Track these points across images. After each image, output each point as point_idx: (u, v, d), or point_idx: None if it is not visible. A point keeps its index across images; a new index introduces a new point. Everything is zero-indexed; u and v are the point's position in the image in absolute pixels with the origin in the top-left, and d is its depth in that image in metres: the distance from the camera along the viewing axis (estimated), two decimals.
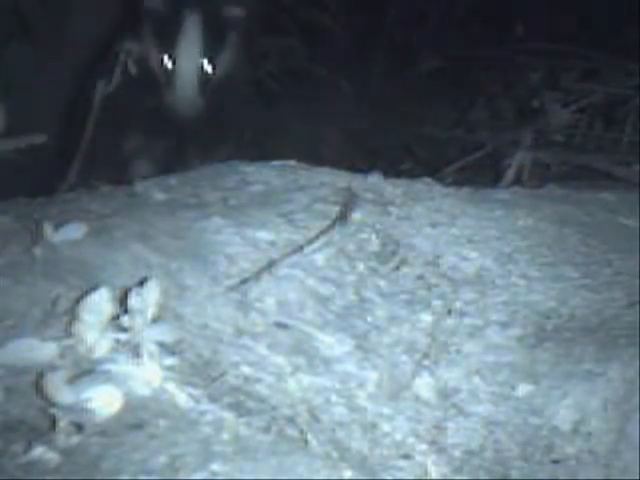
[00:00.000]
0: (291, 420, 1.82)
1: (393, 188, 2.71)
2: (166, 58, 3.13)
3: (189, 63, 3.12)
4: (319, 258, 2.32)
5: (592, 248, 2.50)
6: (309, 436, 1.79)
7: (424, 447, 1.86)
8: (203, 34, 3.11)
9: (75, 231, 2.20)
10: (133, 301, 1.83)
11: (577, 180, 3.69)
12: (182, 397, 1.77)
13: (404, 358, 2.09)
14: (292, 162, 2.79)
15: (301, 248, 2.33)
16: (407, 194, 2.68)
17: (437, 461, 1.83)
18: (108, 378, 1.72)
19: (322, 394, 1.93)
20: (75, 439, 1.63)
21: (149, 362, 1.78)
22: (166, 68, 3.14)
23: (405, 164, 4.49)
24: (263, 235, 2.36)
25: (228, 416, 1.75)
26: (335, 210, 2.49)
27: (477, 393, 2.01)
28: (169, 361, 1.85)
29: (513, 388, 2.01)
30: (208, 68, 3.15)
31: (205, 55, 3.14)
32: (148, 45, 3.18)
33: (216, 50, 3.16)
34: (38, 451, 1.59)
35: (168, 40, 3.12)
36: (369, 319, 2.19)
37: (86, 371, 1.74)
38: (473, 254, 2.44)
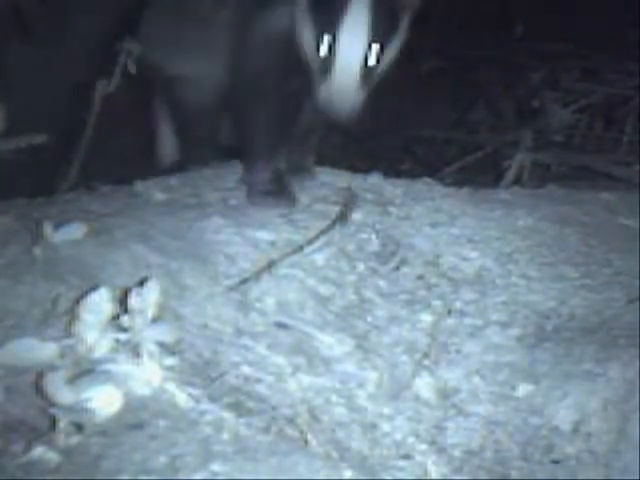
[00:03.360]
0: (291, 420, 1.82)
1: (393, 188, 2.71)
2: (325, 42, 2.30)
3: (353, 50, 2.30)
4: (319, 258, 2.33)
5: (592, 248, 2.51)
6: (309, 436, 1.79)
7: (424, 447, 1.86)
8: (373, 15, 2.30)
9: (75, 231, 2.20)
10: (133, 301, 1.83)
11: (577, 180, 3.69)
12: (182, 397, 1.77)
13: (404, 358, 2.09)
14: None
15: (301, 248, 2.33)
16: (407, 194, 2.68)
17: (437, 461, 1.83)
18: (108, 378, 1.72)
19: (322, 394, 1.93)
20: (75, 439, 1.63)
21: (149, 362, 1.78)
22: (323, 54, 2.31)
23: (405, 164, 4.49)
24: (263, 235, 2.36)
25: (228, 416, 1.75)
26: (335, 210, 2.49)
27: (477, 393, 2.01)
28: (169, 361, 1.85)
29: (513, 388, 2.01)
30: (373, 58, 2.33)
31: (374, 41, 2.32)
32: (301, 24, 2.37)
33: (386, 36, 2.35)
34: (38, 451, 1.59)
35: (328, 19, 2.30)
36: (369, 319, 2.19)
37: (86, 371, 1.74)
38: (473, 254, 2.44)
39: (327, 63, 2.30)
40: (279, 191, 2.53)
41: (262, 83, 2.48)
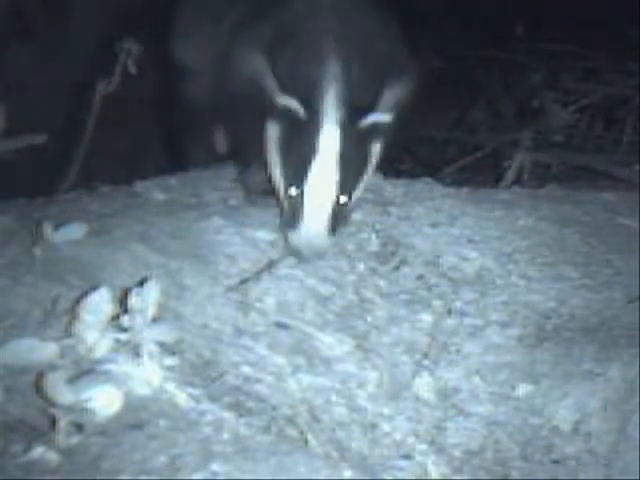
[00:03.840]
0: (291, 420, 1.82)
1: (393, 188, 2.71)
2: (292, 189, 2.26)
3: (322, 199, 2.24)
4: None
5: (592, 248, 2.50)
6: (309, 436, 1.79)
7: (424, 447, 1.86)
8: (342, 157, 2.22)
9: (75, 231, 2.20)
10: (133, 301, 1.83)
11: (577, 180, 3.69)
12: (182, 397, 1.77)
13: (404, 358, 2.09)
14: None
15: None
16: (407, 194, 2.68)
17: (437, 461, 1.83)
18: (108, 378, 1.72)
19: (322, 394, 1.93)
20: (75, 439, 1.63)
21: (149, 362, 1.78)
22: (291, 199, 2.26)
23: (405, 164, 4.49)
24: (263, 235, 2.36)
25: (228, 416, 1.75)
26: None
27: (477, 393, 2.01)
28: (169, 361, 1.85)
29: (513, 388, 2.01)
30: (344, 201, 2.27)
31: (343, 187, 2.23)
32: (272, 157, 2.32)
33: (357, 175, 2.30)
34: (38, 451, 1.59)
35: (297, 163, 2.24)
36: (369, 319, 2.19)
37: (86, 371, 1.75)
38: (473, 254, 2.44)
39: (295, 210, 2.25)
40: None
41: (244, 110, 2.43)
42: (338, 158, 2.23)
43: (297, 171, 2.25)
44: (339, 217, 2.28)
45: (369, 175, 2.36)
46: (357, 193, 2.33)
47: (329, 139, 2.22)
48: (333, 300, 2.22)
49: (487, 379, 2.04)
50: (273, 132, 2.30)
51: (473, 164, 4.35)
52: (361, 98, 2.27)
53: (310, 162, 2.22)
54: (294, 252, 2.26)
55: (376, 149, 2.34)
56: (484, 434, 1.90)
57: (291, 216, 2.27)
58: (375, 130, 2.29)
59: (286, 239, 2.27)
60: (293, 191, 2.26)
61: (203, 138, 2.99)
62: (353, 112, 2.23)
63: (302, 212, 2.24)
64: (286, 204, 2.30)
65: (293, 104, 2.22)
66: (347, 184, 2.26)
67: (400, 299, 2.26)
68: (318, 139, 2.22)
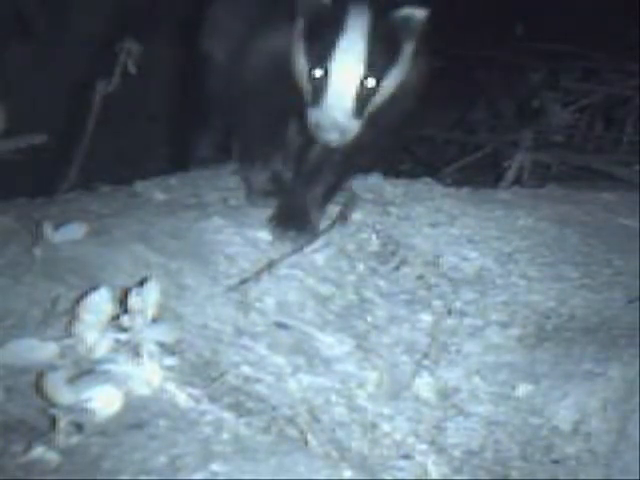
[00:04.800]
0: (291, 420, 1.82)
1: (393, 188, 2.71)
2: (317, 70, 2.18)
3: (347, 76, 2.17)
4: (319, 258, 2.33)
5: (592, 248, 2.50)
6: (309, 436, 1.79)
7: (424, 447, 1.86)
8: (370, 39, 2.18)
9: (75, 231, 2.20)
10: (133, 301, 1.83)
11: (577, 180, 3.69)
12: (182, 397, 1.77)
13: (404, 358, 2.09)
14: None
15: (301, 248, 2.33)
16: (407, 194, 2.68)
17: (437, 461, 1.83)
18: (108, 378, 1.72)
19: (322, 394, 1.93)
20: (75, 439, 1.63)
21: (149, 362, 1.78)
22: (315, 81, 2.19)
23: (405, 164, 4.49)
24: (263, 235, 2.36)
25: (228, 416, 1.75)
26: (335, 210, 2.49)
27: (477, 393, 2.01)
28: (169, 361, 1.85)
29: (513, 388, 2.01)
30: (371, 85, 2.21)
31: (370, 68, 2.19)
32: (297, 48, 2.25)
33: (385, 66, 2.23)
34: (38, 451, 1.59)
35: (322, 44, 2.18)
36: (369, 319, 2.19)
37: (86, 371, 1.74)
38: (473, 254, 2.44)
39: (319, 90, 2.20)
40: (278, 191, 2.49)
41: (260, 90, 2.41)
42: (366, 40, 2.18)
43: (323, 52, 2.20)
44: (365, 102, 2.22)
45: (398, 74, 2.29)
46: (385, 86, 2.25)
47: (357, 21, 2.19)
48: (333, 300, 2.22)
49: (487, 379, 2.04)
50: (299, 25, 2.26)
51: (473, 164, 4.35)
52: None
53: (336, 42, 2.18)
54: (318, 134, 2.21)
55: (408, 47, 2.28)
56: (484, 434, 1.90)
57: (315, 98, 2.21)
58: (408, 25, 2.25)
59: (308, 124, 2.22)
60: (317, 72, 2.21)
61: (211, 135, 2.98)
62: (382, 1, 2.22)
63: (327, 91, 2.19)
64: (309, 88, 2.23)
65: None
66: (374, 68, 2.21)
67: (400, 299, 2.26)
68: (346, 21, 2.18)
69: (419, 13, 2.24)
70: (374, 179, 2.73)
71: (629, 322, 2.17)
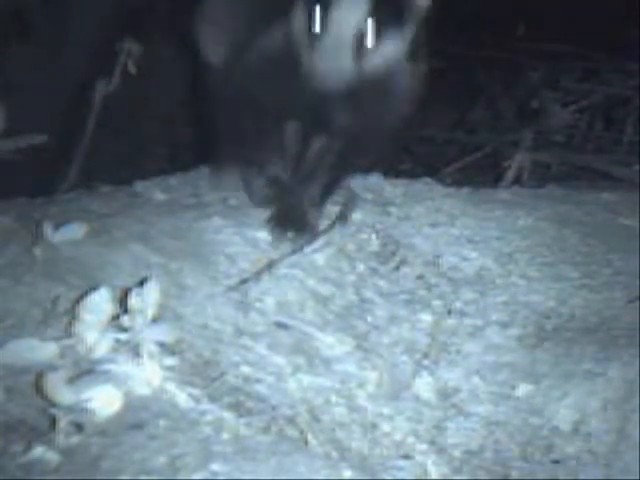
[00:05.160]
0: (291, 420, 1.82)
1: (393, 188, 2.71)
2: (317, 20, 2.11)
3: (347, 29, 2.11)
4: (319, 258, 2.33)
5: (592, 248, 2.51)
6: (309, 436, 1.79)
7: (424, 447, 1.86)
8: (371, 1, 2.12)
9: (75, 231, 2.20)
10: (133, 301, 1.83)
11: (577, 180, 3.69)
12: (182, 397, 1.77)
13: (404, 358, 2.09)
14: None
15: (301, 248, 2.33)
16: (407, 194, 2.68)
17: (437, 461, 1.83)
18: (108, 378, 1.72)
19: (322, 394, 1.93)
20: (75, 439, 1.63)
21: (149, 362, 1.78)
22: (314, 33, 2.13)
23: (405, 164, 4.49)
24: (263, 235, 2.36)
25: (228, 416, 1.75)
26: (335, 210, 2.49)
27: (477, 393, 2.01)
28: (169, 361, 1.85)
29: (513, 388, 2.01)
30: (372, 41, 2.15)
31: (374, 22, 2.14)
32: (297, 9, 2.17)
33: (391, 18, 2.18)
34: (38, 451, 1.59)
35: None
36: (369, 319, 2.19)
37: (86, 371, 1.74)
38: (473, 254, 2.44)
39: (320, 34, 2.13)
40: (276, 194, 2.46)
41: (256, 92, 2.34)
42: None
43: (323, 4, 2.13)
44: (365, 50, 2.16)
45: (397, 47, 2.25)
46: (383, 49, 2.20)
47: None
48: (333, 300, 2.22)
49: (487, 379, 2.04)
50: None
51: (473, 164, 4.35)
52: None
53: None
54: (319, 64, 2.16)
55: (410, 25, 2.26)
56: (484, 434, 1.90)
57: (315, 40, 2.16)
58: (411, 3, 2.23)
59: (307, 68, 2.18)
60: (317, 26, 2.15)
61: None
62: None
63: (326, 32, 2.13)
64: (309, 40, 2.17)
65: None
66: (375, 23, 2.15)
67: (400, 299, 2.26)
68: None
69: None
70: (374, 179, 2.73)
71: (629, 322, 2.17)
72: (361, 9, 2.15)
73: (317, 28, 2.15)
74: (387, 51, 2.24)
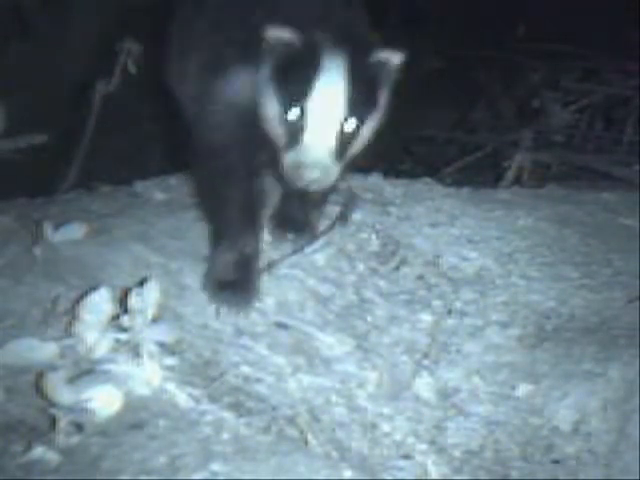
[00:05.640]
0: (291, 420, 1.82)
1: (393, 188, 2.71)
2: (293, 110, 1.97)
3: (327, 115, 1.97)
4: (319, 258, 2.33)
5: (592, 248, 2.51)
6: (309, 436, 1.79)
7: (424, 447, 1.86)
8: (348, 80, 1.98)
9: (75, 231, 2.20)
10: (133, 301, 1.83)
11: (577, 180, 3.69)
12: (182, 397, 1.77)
13: (404, 358, 2.09)
14: None
15: (301, 248, 2.33)
16: (407, 194, 2.68)
17: (437, 461, 1.83)
18: (108, 378, 1.72)
19: (322, 394, 1.93)
20: (75, 439, 1.63)
21: (149, 362, 1.78)
22: (291, 123, 1.98)
23: (405, 164, 4.49)
24: (263, 235, 2.36)
25: (228, 416, 1.75)
26: (335, 210, 2.49)
27: (477, 393, 2.01)
28: (169, 361, 1.85)
29: (513, 388, 2.01)
30: (352, 127, 2.00)
31: (351, 109, 1.99)
32: (266, 90, 2.03)
33: (364, 108, 2.03)
34: (38, 451, 1.59)
35: (297, 84, 1.98)
36: (369, 319, 2.19)
37: (86, 371, 1.75)
38: (473, 254, 2.44)
39: (297, 131, 1.98)
40: (241, 282, 2.12)
41: (225, 158, 2.13)
42: (345, 80, 1.99)
43: (298, 92, 1.98)
44: (345, 145, 2.02)
45: (375, 121, 2.09)
46: (364, 132, 2.06)
47: (333, 61, 1.99)
48: (333, 300, 2.22)
49: (487, 379, 2.04)
50: (267, 68, 2.04)
51: (473, 164, 4.35)
52: (364, 31, 2.11)
53: (314, 81, 1.97)
54: (297, 176, 1.98)
55: (384, 92, 2.09)
56: (484, 434, 1.90)
57: (291, 140, 1.99)
58: (384, 70, 2.07)
59: (284, 171, 1.99)
60: (293, 114, 1.99)
61: None
62: (357, 43, 2.04)
63: (306, 130, 1.98)
64: (283, 131, 2.00)
65: (285, 34, 2.00)
66: (355, 110, 2.01)
67: (400, 299, 2.26)
68: (322, 61, 1.99)
69: (395, 58, 2.07)
70: (374, 179, 2.73)
71: (629, 322, 2.17)
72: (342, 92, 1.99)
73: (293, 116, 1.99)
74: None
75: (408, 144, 4.53)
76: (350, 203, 2.53)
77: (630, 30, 4.66)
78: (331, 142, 1.99)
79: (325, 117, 1.99)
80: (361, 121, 2.04)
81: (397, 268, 2.37)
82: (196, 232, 2.31)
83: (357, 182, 2.65)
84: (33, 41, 4.13)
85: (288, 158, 2.00)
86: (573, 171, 4.02)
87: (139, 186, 2.65)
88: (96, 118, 3.16)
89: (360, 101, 2.02)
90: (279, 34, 2.01)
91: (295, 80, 2.01)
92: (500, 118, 4.88)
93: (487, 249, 2.46)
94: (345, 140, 2.02)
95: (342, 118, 2.00)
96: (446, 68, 4.92)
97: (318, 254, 2.33)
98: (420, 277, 2.35)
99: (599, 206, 2.78)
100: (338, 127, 2.00)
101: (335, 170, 2.02)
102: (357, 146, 2.07)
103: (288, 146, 2.00)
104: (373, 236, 2.45)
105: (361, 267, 2.34)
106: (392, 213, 2.55)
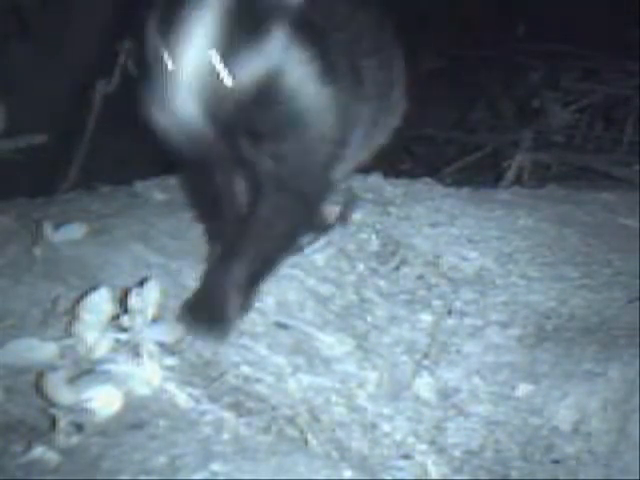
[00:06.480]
0: (291, 420, 1.82)
1: (393, 188, 2.71)
2: (167, 51, 1.78)
3: (195, 63, 1.76)
4: (319, 258, 2.33)
5: (592, 248, 2.51)
6: (309, 436, 1.79)
7: (424, 447, 1.86)
8: (226, 21, 1.76)
9: (75, 231, 2.20)
10: (133, 301, 1.83)
11: (577, 180, 3.70)
12: (182, 397, 1.77)
13: (404, 358, 2.09)
14: None
15: (301, 248, 2.33)
16: (407, 194, 2.68)
17: (437, 461, 1.83)
18: (108, 378, 1.72)
19: (322, 394, 1.93)
20: (75, 439, 1.63)
21: (149, 362, 1.78)
22: (166, 65, 1.78)
23: (405, 164, 4.50)
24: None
25: (228, 416, 1.75)
26: (335, 210, 2.49)
27: (477, 393, 2.01)
28: (169, 361, 1.85)
29: (513, 388, 2.01)
30: (225, 76, 1.78)
31: (225, 56, 1.77)
32: (151, 30, 1.83)
33: (245, 51, 1.79)
34: (38, 451, 1.59)
35: (168, 29, 1.78)
36: (369, 319, 2.19)
37: (86, 371, 1.75)
38: (473, 254, 2.44)
39: (167, 78, 1.77)
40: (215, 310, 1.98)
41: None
42: (218, 17, 1.77)
43: (170, 32, 1.79)
44: (221, 98, 1.80)
45: (263, 65, 1.85)
46: (247, 74, 1.82)
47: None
48: (333, 300, 2.22)
49: (487, 379, 2.04)
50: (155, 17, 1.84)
51: (473, 164, 4.35)
52: None
53: (186, 20, 1.77)
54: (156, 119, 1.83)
55: (277, 32, 1.84)
56: (484, 434, 1.90)
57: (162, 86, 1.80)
58: (278, 4, 1.82)
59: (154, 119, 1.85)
60: (165, 56, 1.79)
61: None
62: None
63: (172, 80, 1.78)
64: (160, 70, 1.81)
65: None
66: (232, 57, 1.79)
67: (400, 299, 2.26)
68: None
69: None
70: (374, 179, 2.73)
71: (629, 322, 2.17)
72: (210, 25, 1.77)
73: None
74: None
75: (408, 144, 4.53)
76: (350, 203, 2.53)
77: (630, 30, 4.66)
78: (197, 93, 1.78)
79: (193, 62, 1.78)
80: (236, 68, 1.80)
81: (397, 268, 2.37)
82: (196, 232, 2.31)
83: (357, 182, 2.65)
84: (33, 41, 4.13)
85: (154, 101, 1.81)
86: (573, 171, 4.03)
87: (139, 186, 2.65)
88: (96, 118, 3.16)
89: (238, 44, 1.79)
90: None
91: (168, 24, 1.81)
92: (500, 118, 4.88)
93: (487, 249, 2.46)
94: (219, 90, 1.79)
95: (209, 66, 1.78)
96: (446, 68, 4.92)
97: (318, 254, 2.33)
98: (420, 277, 2.35)
99: (599, 206, 2.78)
100: (203, 76, 1.78)
101: (202, 111, 1.79)
102: (242, 85, 1.82)
103: (158, 88, 1.80)
104: (373, 236, 2.45)
105: (361, 267, 2.34)
106: (392, 213, 2.55)
